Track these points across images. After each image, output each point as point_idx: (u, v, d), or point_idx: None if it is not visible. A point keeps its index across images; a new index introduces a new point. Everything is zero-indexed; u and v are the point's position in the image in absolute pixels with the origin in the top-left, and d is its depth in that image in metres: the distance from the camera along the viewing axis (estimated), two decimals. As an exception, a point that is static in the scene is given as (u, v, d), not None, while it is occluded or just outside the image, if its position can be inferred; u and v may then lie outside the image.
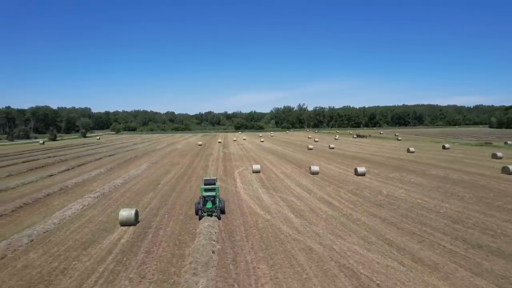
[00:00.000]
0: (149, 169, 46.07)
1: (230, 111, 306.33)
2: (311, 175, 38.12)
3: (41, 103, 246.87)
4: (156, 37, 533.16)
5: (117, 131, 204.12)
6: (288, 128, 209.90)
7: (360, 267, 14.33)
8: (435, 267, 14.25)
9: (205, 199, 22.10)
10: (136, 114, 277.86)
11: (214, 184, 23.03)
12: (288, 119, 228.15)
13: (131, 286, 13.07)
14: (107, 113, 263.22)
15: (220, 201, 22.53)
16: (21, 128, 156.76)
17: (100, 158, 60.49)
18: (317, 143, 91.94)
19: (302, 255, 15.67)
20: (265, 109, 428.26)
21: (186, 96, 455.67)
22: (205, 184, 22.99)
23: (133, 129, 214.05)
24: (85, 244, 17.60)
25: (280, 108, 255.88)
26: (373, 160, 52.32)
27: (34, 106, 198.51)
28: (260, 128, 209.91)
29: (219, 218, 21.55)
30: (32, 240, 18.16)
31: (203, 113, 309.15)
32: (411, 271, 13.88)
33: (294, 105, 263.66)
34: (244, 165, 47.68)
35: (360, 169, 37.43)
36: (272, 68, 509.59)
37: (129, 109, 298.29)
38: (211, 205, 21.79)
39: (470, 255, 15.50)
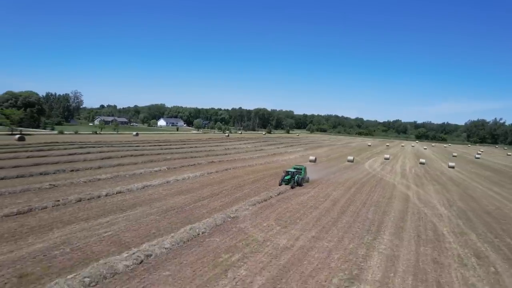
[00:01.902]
0: (327, 151, 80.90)
1: (419, 121, 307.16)
2: (420, 164, 63.15)
3: (261, 105, 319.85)
4: (350, 46, 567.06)
5: (311, 131, 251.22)
6: (476, 143, 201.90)
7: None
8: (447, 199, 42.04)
9: (287, 172, 32.19)
10: (328, 118, 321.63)
11: (301, 169, 33.56)
12: (478, 133, 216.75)
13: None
14: (305, 115, 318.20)
15: (299, 177, 31.69)
16: (248, 123, 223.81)
17: (300, 144, 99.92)
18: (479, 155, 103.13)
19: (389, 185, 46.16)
20: (462, 121, 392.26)
21: (376, 103, 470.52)
22: (293, 168, 34.13)
23: (323, 130, 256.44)
24: (298, 162, 53.25)
25: (474, 121, 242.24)
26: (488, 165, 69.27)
27: (256, 107, 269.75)
28: (443, 140, 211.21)
29: (292, 187, 30.72)
30: (262, 163, 55.49)
31: (391, 121, 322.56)
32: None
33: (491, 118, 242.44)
34: (380, 157, 75.20)
35: (450, 164, 59.89)
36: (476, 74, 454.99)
37: (323, 113, 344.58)
38: (288, 177, 31.42)
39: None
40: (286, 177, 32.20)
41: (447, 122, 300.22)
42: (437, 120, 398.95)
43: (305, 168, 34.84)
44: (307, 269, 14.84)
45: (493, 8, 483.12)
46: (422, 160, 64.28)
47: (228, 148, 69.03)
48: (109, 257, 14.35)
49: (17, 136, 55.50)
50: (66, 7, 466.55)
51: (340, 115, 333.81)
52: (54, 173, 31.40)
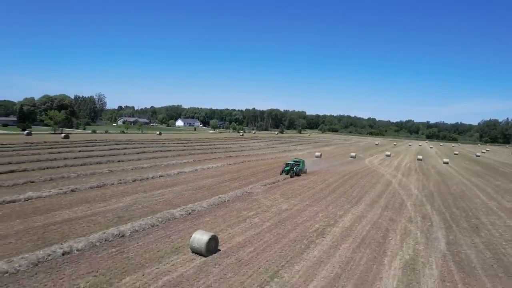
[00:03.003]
0: (334, 149, 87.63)
1: (432, 121, 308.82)
2: (417, 160, 69.24)
3: (274, 106, 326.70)
4: (365, 47, 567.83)
5: (323, 131, 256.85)
6: (486, 143, 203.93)
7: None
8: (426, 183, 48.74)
9: (287, 164, 38.26)
10: (340, 118, 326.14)
11: (299, 162, 39.34)
12: (490, 133, 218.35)
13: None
14: (317, 115, 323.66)
15: (298, 168, 37.70)
16: (262, 123, 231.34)
17: (309, 143, 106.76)
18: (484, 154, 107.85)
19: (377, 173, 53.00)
20: (476, 121, 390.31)
21: (389, 104, 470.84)
22: (293, 161, 40.35)
23: (335, 130, 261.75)
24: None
25: (487, 120, 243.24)
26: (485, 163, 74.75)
27: (269, 108, 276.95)
28: (453, 140, 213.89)
29: (291, 176, 36.61)
30: (273, 158, 62.68)
31: (404, 121, 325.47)
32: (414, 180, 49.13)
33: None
34: (382, 154, 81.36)
35: (445, 160, 65.85)
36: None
37: (336, 113, 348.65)
38: (288, 168, 37.11)
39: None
40: (286, 168, 38.00)
41: (461, 122, 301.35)
42: (450, 120, 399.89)
43: (303, 161, 40.87)
44: (299, 220, 22.17)
45: (506, 7, 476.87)
46: (420, 157, 70.33)
47: (243, 146, 76.65)
48: (168, 210, 22.01)
49: (63, 135, 64.49)
50: (76, 7, 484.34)
51: (353, 115, 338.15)
52: (106, 162, 39.56)
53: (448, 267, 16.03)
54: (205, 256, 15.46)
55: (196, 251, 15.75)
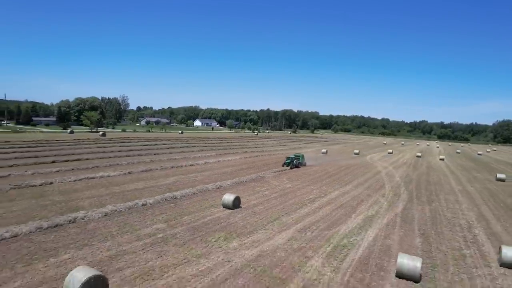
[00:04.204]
0: (341, 147, 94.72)
1: (447, 121, 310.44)
2: (417, 157, 75.70)
3: (288, 107, 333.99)
4: (379, 47, 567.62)
5: (335, 131, 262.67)
6: (499, 143, 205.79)
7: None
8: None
9: (288, 157, 45.56)
10: (353, 118, 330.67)
11: (299, 156, 46.32)
12: (503, 134, 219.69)
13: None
14: (330, 116, 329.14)
15: (298, 161, 44.47)
16: (275, 123, 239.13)
17: (320, 142, 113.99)
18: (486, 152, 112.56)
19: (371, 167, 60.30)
20: (492, 121, 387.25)
21: (404, 104, 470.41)
22: (294, 155, 47.15)
23: (348, 130, 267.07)
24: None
25: (501, 121, 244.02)
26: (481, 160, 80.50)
27: (283, 108, 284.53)
28: (465, 140, 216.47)
29: (291, 168, 43.15)
30: (283, 153, 70.43)
31: (417, 121, 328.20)
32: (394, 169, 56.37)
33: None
34: (385, 152, 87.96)
35: (441, 157, 72.22)
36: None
37: (350, 114, 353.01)
38: (289, 161, 43.96)
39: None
40: (286, 161, 44.93)
41: (476, 122, 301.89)
42: (465, 121, 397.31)
43: (303, 155, 47.85)
44: (298, 193, 30.10)
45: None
46: (419, 154, 76.75)
47: (257, 144, 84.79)
48: (203, 185, 30.30)
49: (100, 133, 74.12)
50: (88, 7, 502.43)
51: (366, 116, 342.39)
52: (145, 155, 48.33)
53: (395, 219, 23.73)
54: (231, 209, 23.61)
55: (225, 206, 23.92)
